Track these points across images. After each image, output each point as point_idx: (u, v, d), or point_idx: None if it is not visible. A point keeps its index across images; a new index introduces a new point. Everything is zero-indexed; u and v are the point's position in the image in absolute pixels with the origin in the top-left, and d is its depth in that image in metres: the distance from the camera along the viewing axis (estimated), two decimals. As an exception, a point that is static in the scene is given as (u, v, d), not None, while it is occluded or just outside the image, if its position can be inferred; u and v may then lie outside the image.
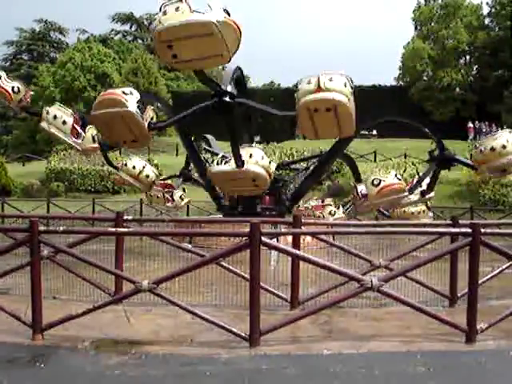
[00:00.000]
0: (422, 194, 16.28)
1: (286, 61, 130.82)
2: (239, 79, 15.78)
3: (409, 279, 8.44)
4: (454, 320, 7.00)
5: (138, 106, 12.78)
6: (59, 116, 14.95)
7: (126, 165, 17.77)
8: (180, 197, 19.88)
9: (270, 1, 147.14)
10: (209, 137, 20.15)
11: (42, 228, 7.00)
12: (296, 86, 11.87)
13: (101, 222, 13.72)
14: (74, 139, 15.13)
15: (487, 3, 61.58)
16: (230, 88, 13.07)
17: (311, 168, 17.66)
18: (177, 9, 10.62)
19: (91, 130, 15.40)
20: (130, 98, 12.65)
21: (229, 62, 11.47)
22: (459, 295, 8.51)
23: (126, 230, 8.66)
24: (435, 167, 15.97)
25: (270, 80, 77.60)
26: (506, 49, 56.13)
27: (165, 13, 10.75)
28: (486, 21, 62.60)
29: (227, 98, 12.78)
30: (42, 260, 7.12)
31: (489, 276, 8.70)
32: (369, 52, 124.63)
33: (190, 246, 10.88)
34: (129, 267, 9.78)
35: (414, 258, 8.36)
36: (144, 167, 17.63)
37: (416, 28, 65.03)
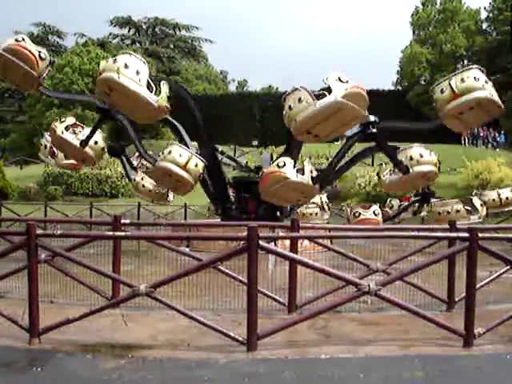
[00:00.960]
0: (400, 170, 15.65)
1: (284, 65, 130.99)
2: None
3: (406, 283, 8.43)
4: (452, 324, 7.01)
5: (297, 170, 12.90)
6: (43, 142, 17.63)
7: (170, 152, 14.15)
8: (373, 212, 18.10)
9: (268, 7, 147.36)
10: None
11: (39, 231, 6.99)
12: (430, 93, 12.33)
13: (98, 226, 13.73)
14: (49, 158, 17.53)
15: (485, 8, 61.84)
16: (372, 117, 13.25)
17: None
18: (299, 100, 11.18)
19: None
20: (287, 169, 12.75)
21: (364, 118, 12.12)
22: (457, 299, 8.51)
23: (123, 233, 8.64)
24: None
25: (268, 84, 77.84)
26: (504, 53, 56.25)
27: (290, 108, 11.34)
28: (484, 25, 62.83)
29: (373, 129, 13.24)
30: (39, 263, 7.10)
31: (486, 280, 8.68)
32: (367, 56, 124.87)
33: (187, 249, 10.88)
34: (126, 271, 9.76)
35: (412, 263, 8.37)
36: (192, 154, 14.42)
37: (414, 32, 65.21)
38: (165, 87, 12.04)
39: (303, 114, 11.06)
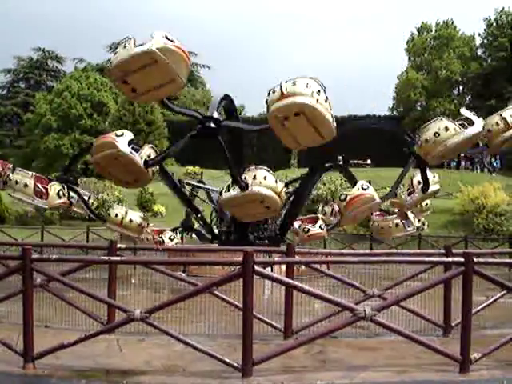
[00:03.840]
0: (423, 190, 16.00)
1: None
2: (227, 107, 15.98)
3: (402, 308, 8.42)
4: (448, 349, 6.98)
5: (132, 147, 13.03)
6: (20, 180, 15.71)
7: (109, 215, 17.87)
8: (169, 237, 18.82)
9: (266, 33, 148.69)
10: None
11: (34, 256, 6.98)
12: (267, 96, 11.68)
13: (94, 251, 13.72)
14: (37, 199, 15.84)
15: (480, 34, 62.56)
16: (215, 114, 13.30)
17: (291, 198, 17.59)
18: (124, 47, 11.15)
19: (55, 187, 15.96)
20: (121, 139, 12.94)
21: (183, 86, 11.92)
22: (453, 324, 8.49)
23: (118, 258, 8.62)
24: (412, 163, 15.64)
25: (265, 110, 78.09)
26: (499, 79, 56.78)
27: (115, 53, 11.38)
28: (479, 52, 63.51)
29: (211, 124, 13.14)
30: (34, 288, 7.09)
31: (482, 305, 8.69)
32: (363, 81, 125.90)
33: (183, 274, 10.87)
34: (122, 296, 9.74)
35: (408, 287, 8.37)
36: (126, 212, 17.43)
37: (409, 59, 65.83)
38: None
39: (118, 58, 11.05)
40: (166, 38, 10.95)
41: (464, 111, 13.79)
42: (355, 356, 7.45)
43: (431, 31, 65.28)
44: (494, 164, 49.60)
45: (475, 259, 7.02)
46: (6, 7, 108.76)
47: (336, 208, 17.31)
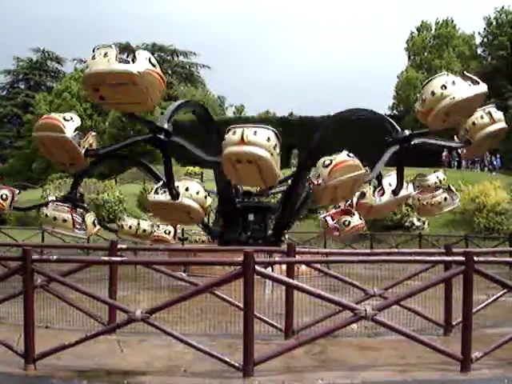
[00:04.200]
0: (393, 192, 15.40)
1: (281, 91, 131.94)
2: (200, 115, 16.49)
3: (403, 308, 8.42)
4: (449, 349, 6.98)
5: (78, 133, 13.30)
6: (58, 216, 15.92)
7: (122, 227, 19.39)
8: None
9: (266, 33, 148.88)
10: None
11: (35, 257, 6.98)
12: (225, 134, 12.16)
13: (95, 251, 13.72)
14: (76, 231, 16.21)
15: (479, 33, 62.50)
16: (166, 125, 13.57)
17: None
18: (105, 54, 11.15)
19: (90, 217, 16.58)
20: (69, 125, 13.12)
21: (152, 109, 12.29)
22: (454, 323, 8.49)
23: (119, 259, 8.63)
24: (392, 151, 14.78)
25: (266, 109, 78.20)
26: (499, 78, 56.73)
27: (93, 57, 11.28)
28: (479, 50, 63.44)
29: (161, 135, 13.42)
30: (35, 289, 7.09)
31: (483, 304, 8.69)
32: (363, 81, 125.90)
33: (184, 274, 10.87)
34: (122, 296, 9.74)
35: (409, 287, 8.37)
36: (138, 224, 19.08)
37: (409, 58, 65.83)
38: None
39: (97, 66, 11.09)
40: (150, 61, 11.17)
41: (468, 74, 13.38)
42: (356, 355, 7.44)
43: (431, 30, 65.30)
44: (495, 163, 49.58)
45: (476, 258, 7.02)
46: (4, 7, 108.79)
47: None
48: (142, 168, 19.53)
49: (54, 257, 7.39)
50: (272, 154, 11.60)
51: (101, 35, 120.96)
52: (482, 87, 12.70)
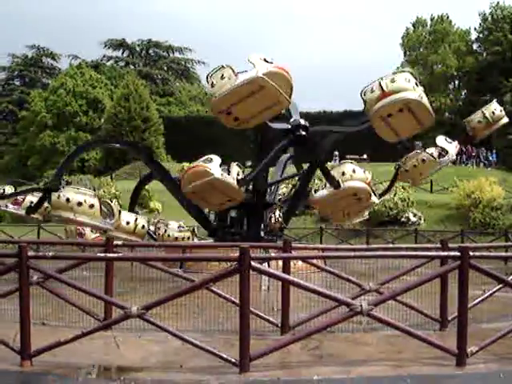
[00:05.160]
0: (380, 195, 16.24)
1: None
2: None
3: (399, 303, 8.44)
4: (445, 343, 7.00)
5: (222, 168, 12.66)
6: (83, 200, 13.21)
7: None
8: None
9: (262, 28, 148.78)
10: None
11: (31, 253, 6.97)
12: (362, 96, 11.85)
13: (91, 248, 13.67)
14: (104, 221, 13.79)
15: (475, 29, 62.58)
16: (302, 121, 13.25)
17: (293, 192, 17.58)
18: (222, 76, 10.84)
19: (116, 205, 14.82)
20: (212, 165, 12.49)
21: (288, 105, 11.86)
22: (449, 318, 8.51)
23: (115, 255, 8.63)
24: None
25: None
26: (494, 73, 56.83)
27: (212, 85, 10.98)
28: (474, 46, 63.56)
29: (302, 132, 13.04)
30: (31, 285, 7.08)
31: (479, 299, 8.71)
32: (360, 76, 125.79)
33: (180, 270, 10.86)
34: (119, 292, 9.73)
35: (404, 282, 8.38)
36: (136, 219, 15.86)
37: (405, 53, 65.84)
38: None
39: (223, 89, 10.76)
40: (265, 60, 10.80)
41: (439, 141, 14.53)
42: (352, 350, 7.46)
43: (426, 26, 65.30)
44: (490, 158, 49.71)
45: (471, 253, 7.03)
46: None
47: None
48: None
49: (50, 253, 7.38)
50: (419, 94, 11.34)
51: (95, 31, 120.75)
52: (449, 157, 14.39)
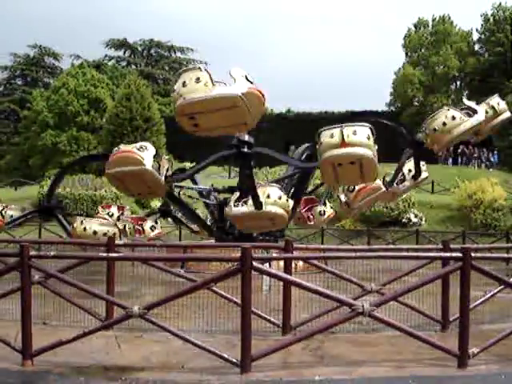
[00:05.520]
0: (414, 177, 15.92)
1: (278, 86, 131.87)
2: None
3: (400, 304, 8.43)
4: (446, 344, 6.99)
5: (154, 160, 12.57)
6: (107, 231, 15.51)
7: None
8: (150, 227, 18.45)
9: (263, 29, 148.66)
10: None
11: (32, 253, 6.97)
12: (319, 136, 11.96)
13: (92, 247, 13.66)
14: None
15: (477, 30, 62.49)
16: (247, 137, 13.18)
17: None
18: (197, 80, 10.38)
19: (148, 223, 16.67)
20: (146, 155, 12.40)
21: (253, 128, 11.67)
22: (451, 319, 8.51)
23: (117, 254, 8.64)
24: (409, 153, 15.23)
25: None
26: (496, 75, 56.79)
27: (184, 84, 10.45)
28: (476, 47, 63.45)
29: (245, 149, 13.08)
30: (32, 285, 7.09)
31: (480, 300, 8.70)
32: (360, 77, 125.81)
33: (182, 270, 10.86)
34: (120, 292, 9.73)
35: (406, 283, 8.37)
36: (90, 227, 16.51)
37: (406, 54, 65.77)
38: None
39: (194, 94, 10.34)
40: (246, 78, 10.55)
41: (466, 101, 14.29)
42: (354, 351, 7.45)
43: (428, 26, 65.23)
44: (492, 159, 49.65)
45: (473, 254, 7.03)
46: (0, 3, 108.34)
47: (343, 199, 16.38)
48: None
49: (52, 253, 7.38)
50: (373, 153, 11.65)
51: (97, 31, 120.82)
52: (480, 116, 13.46)
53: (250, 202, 13.23)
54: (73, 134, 55.13)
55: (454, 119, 13.25)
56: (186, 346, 6.97)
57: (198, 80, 10.36)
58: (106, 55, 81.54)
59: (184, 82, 10.48)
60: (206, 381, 6.16)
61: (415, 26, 65.79)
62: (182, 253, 11.92)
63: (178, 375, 6.40)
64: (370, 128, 11.73)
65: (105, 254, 8.69)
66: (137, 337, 7.90)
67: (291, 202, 14.10)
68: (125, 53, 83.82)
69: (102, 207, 18.41)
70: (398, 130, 15.75)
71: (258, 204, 13.01)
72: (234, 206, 13.51)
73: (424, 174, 16.20)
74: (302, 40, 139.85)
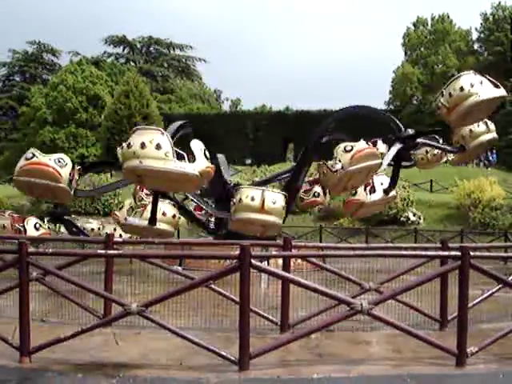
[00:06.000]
0: (385, 192, 15.54)
1: (277, 84, 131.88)
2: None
3: (399, 302, 8.43)
4: (445, 343, 6.98)
5: (69, 173, 12.66)
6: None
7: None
8: (34, 226, 16.01)
9: (263, 27, 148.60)
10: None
11: (30, 249, 6.95)
12: (235, 191, 13.47)
13: (91, 244, 13.67)
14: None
15: (476, 29, 62.58)
16: (226, 176, 15.46)
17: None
18: (158, 146, 10.34)
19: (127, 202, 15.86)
20: (64, 172, 12.49)
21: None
22: (449, 318, 8.50)
23: (115, 252, 8.61)
24: (397, 148, 14.72)
25: (262, 103, 78.08)
26: (495, 74, 56.78)
27: (143, 146, 10.34)
28: (475, 46, 63.56)
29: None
30: (30, 282, 7.07)
31: (479, 299, 8.71)
32: (360, 75, 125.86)
33: (180, 268, 10.84)
34: (118, 289, 9.71)
35: (404, 281, 8.37)
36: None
37: (406, 53, 65.83)
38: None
39: (153, 162, 10.47)
40: (205, 154, 11.18)
41: (490, 78, 13.17)
42: (352, 350, 7.46)
43: (427, 25, 65.27)
44: (490, 158, 49.69)
45: (472, 253, 7.03)
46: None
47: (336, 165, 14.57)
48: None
49: (50, 250, 7.37)
50: (281, 220, 13.25)
51: (96, 27, 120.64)
52: (503, 91, 13.00)
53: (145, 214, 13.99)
54: (71, 131, 55.08)
55: (481, 84, 12.47)
56: (184, 344, 6.95)
57: (158, 147, 10.34)
58: (104, 52, 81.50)
59: (143, 143, 10.37)
60: (204, 378, 6.15)
61: (414, 25, 65.86)
62: (181, 250, 11.92)
63: (175, 372, 6.39)
64: (285, 195, 13.15)
65: (103, 251, 8.66)
66: (135, 334, 7.88)
67: (183, 220, 15.59)
68: (124, 50, 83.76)
69: None
70: (387, 120, 15.70)
71: (153, 221, 13.65)
72: (133, 215, 14.38)
73: (392, 193, 15.92)
74: (301, 39, 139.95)
